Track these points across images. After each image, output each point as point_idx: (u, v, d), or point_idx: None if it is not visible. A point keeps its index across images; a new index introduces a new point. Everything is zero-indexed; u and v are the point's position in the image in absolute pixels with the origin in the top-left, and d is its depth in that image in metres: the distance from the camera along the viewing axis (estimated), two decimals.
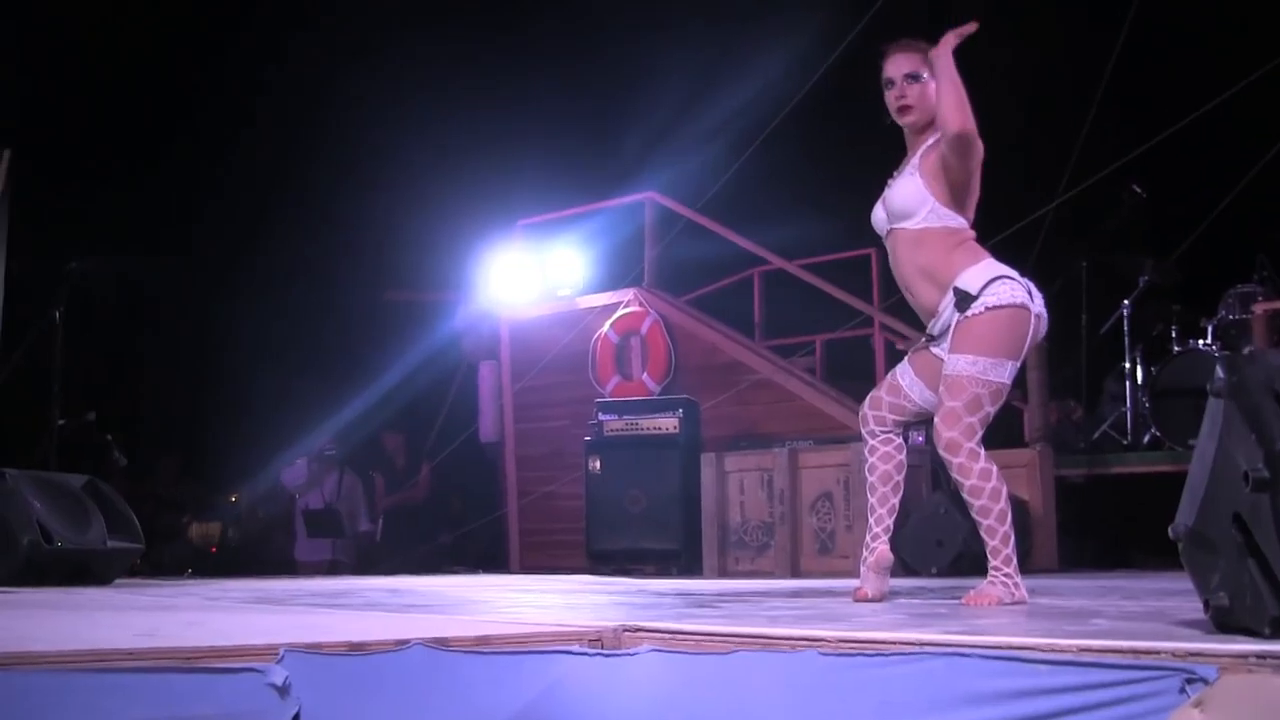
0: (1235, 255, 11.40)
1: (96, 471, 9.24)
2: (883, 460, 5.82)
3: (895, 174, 5.78)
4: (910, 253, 5.65)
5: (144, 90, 16.92)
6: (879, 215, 5.78)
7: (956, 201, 5.59)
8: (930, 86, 5.66)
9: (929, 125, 5.69)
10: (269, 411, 15.95)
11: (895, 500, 5.83)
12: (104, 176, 16.40)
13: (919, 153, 5.68)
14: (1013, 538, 5.48)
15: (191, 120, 16.94)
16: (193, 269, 17.21)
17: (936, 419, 5.54)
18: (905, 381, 5.80)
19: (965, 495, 5.50)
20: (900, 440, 5.85)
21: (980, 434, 5.47)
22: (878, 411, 5.85)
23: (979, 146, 5.54)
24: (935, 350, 5.64)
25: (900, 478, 5.85)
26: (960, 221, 5.60)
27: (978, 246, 5.62)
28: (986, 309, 5.44)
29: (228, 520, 16.23)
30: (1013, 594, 5.39)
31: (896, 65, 5.75)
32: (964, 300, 5.45)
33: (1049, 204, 12.02)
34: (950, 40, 5.54)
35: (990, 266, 5.54)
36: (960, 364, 5.46)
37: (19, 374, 11.02)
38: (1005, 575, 5.42)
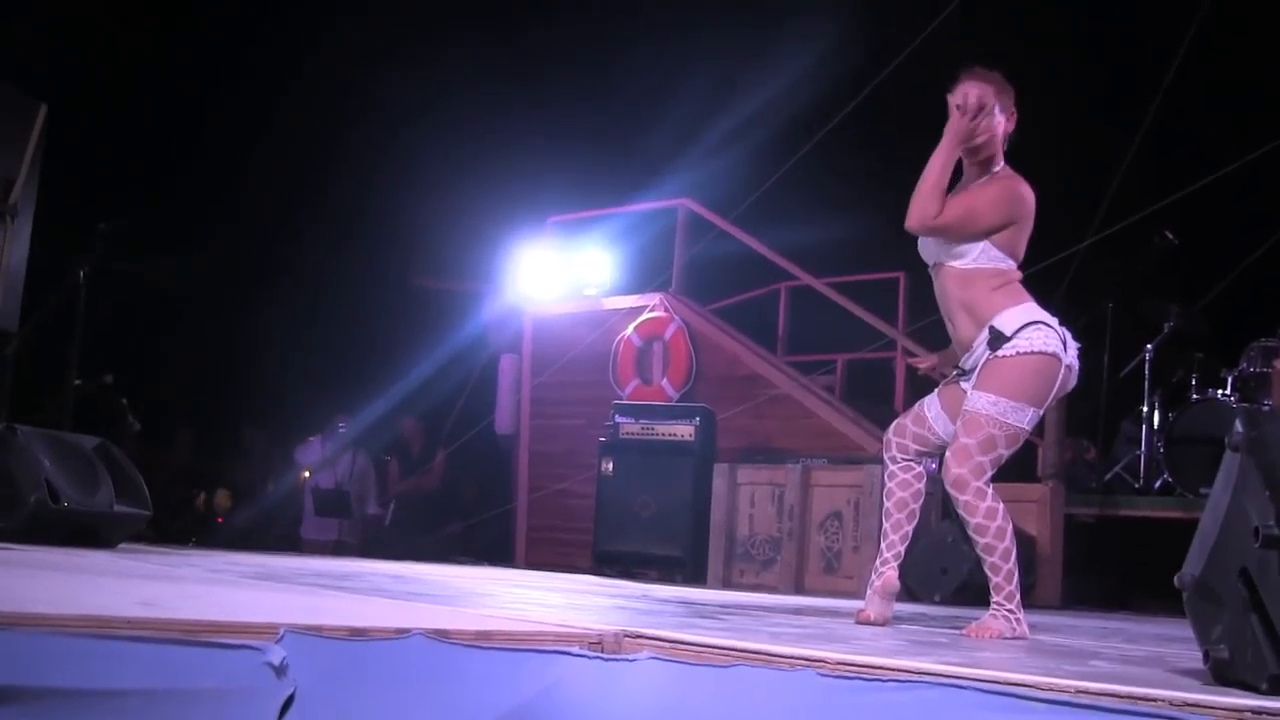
0: (1262, 308, 11.38)
1: (110, 435, 9.24)
2: (901, 488, 5.77)
3: None
4: (956, 288, 5.61)
5: (184, 74, 17.03)
6: (929, 244, 5.74)
7: (1009, 243, 5.56)
8: (991, 119, 5.61)
9: (988, 161, 5.66)
10: (291, 390, 16.03)
11: (909, 528, 5.79)
12: (141, 141, 16.50)
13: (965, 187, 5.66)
14: (1016, 575, 5.45)
15: (232, 103, 17.02)
16: (223, 249, 17.28)
17: (948, 453, 5.52)
18: (931, 413, 5.76)
19: (970, 531, 5.49)
20: (921, 469, 5.78)
21: (989, 474, 5.44)
22: (901, 439, 5.81)
23: (959, 228, 5.52)
24: (964, 385, 5.59)
25: (916, 506, 5.80)
26: (1010, 263, 5.56)
27: (1021, 289, 5.58)
28: (1018, 353, 5.41)
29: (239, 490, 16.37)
30: (1014, 629, 5.38)
31: (965, 92, 5.68)
32: (997, 339, 5.42)
33: (1081, 243, 12.00)
34: (959, 120, 5.55)
35: (1029, 310, 5.50)
36: (981, 402, 5.44)
37: (40, 331, 11.03)
38: (1008, 611, 5.41)
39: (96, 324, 10.63)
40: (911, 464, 5.79)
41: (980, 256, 5.55)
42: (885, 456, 5.88)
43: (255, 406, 17.24)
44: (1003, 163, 5.69)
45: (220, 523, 15.89)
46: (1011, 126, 5.67)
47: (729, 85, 15.63)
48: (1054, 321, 5.53)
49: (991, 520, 5.40)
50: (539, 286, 14.60)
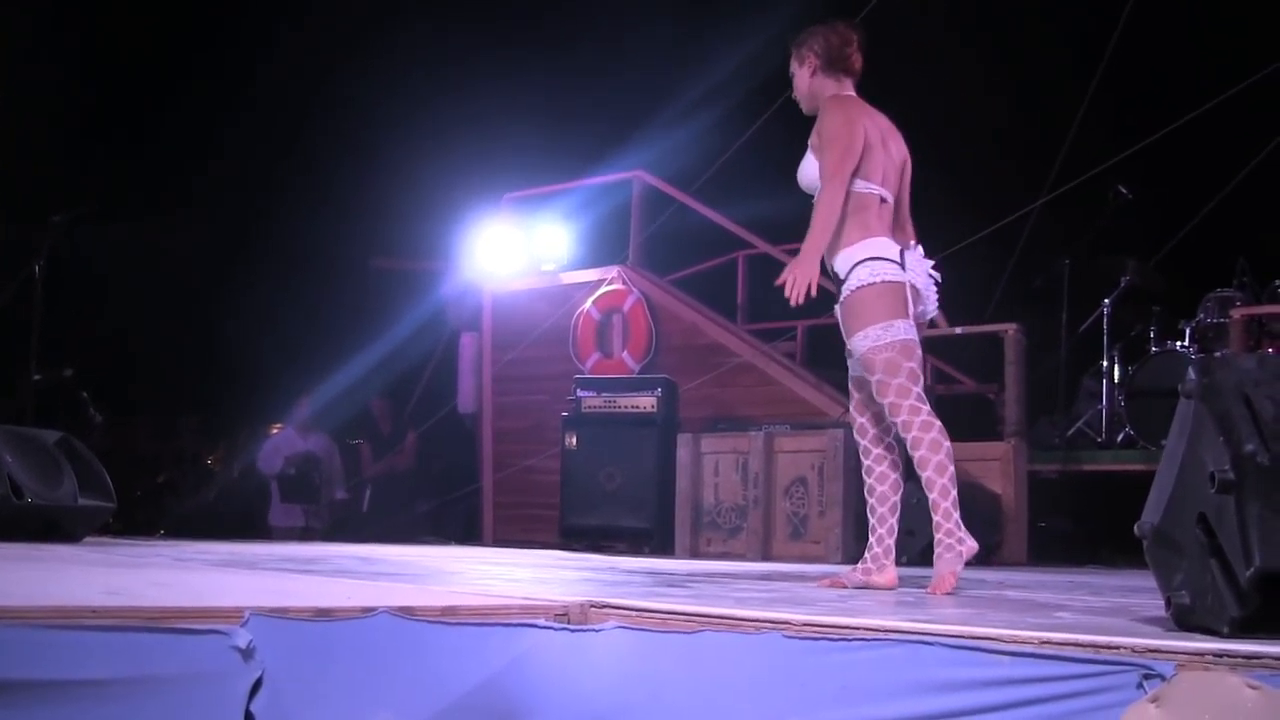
0: (1217, 259, 11.42)
1: (72, 428, 9.20)
2: (880, 481, 5.80)
3: None
4: None
5: (141, 57, 16.97)
6: (801, 179, 5.97)
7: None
8: (797, 76, 6.02)
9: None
10: (251, 376, 16.00)
11: (894, 520, 5.82)
12: (100, 132, 16.47)
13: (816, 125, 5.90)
14: (952, 490, 5.54)
15: (190, 87, 16.94)
16: (181, 232, 17.24)
17: (875, 397, 5.65)
18: (855, 373, 5.89)
19: (908, 448, 5.56)
20: (895, 457, 5.80)
21: (915, 390, 5.57)
22: (860, 418, 5.86)
23: (834, 166, 5.69)
24: None
25: (898, 499, 5.84)
26: (861, 185, 5.71)
27: (872, 219, 5.73)
28: (852, 291, 5.66)
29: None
30: (960, 553, 5.46)
31: None
32: (838, 283, 5.73)
33: (1035, 201, 12.03)
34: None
35: (863, 248, 5.67)
36: (857, 344, 5.66)
37: None
38: (947, 533, 5.47)
39: (55, 316, 10.59)
40: (883, 453, 5.80)
41: None
42: (859, 443, 5.92)
43: (216, 394, 17.20)
44: (846, 90, 5.97)
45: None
46: (816, 62, 5.96)
47: (684, 56, 15.60)
48: (888, 251, 5.67)
49: (926, 432, 5.52)
50: (497, 263, 14.57)
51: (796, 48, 6.00)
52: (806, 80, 5.97)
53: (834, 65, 5.92)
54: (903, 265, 5.64)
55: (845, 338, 5.75)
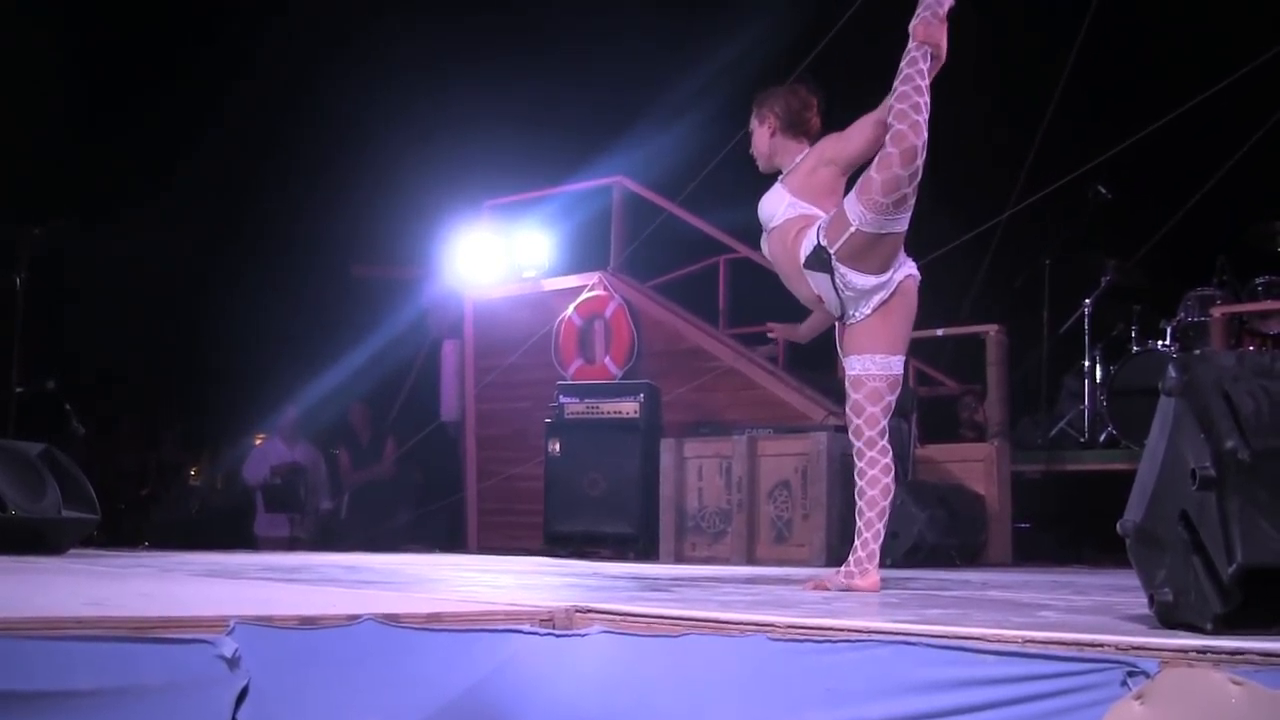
0: (1197, 258, 11.44)
1: (55, 440, 9.17)
2: (870, 484, 5.76)
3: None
4: (778, 250, 5.93)
5: (121, 63, 16.95)
6: (760, 212, 6.07)
7: (816, 195, 5.86)
8: (756, 134, 6.15)
9: (784, 161, 6.07)
10: (233, 385, 15.97)
11: (880, 525, 5.81)
12: (80, 139, 16.44)
13: (789, 169, 6.02)
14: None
15: (171, 91, 16.92)
16: (162, 243, 17.21)
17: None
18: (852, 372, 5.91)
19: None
20: (887, 460, 5.79)
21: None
22: (856, 420, 5.84)
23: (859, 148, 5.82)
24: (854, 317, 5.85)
25: (886, 503, 5.81)
26: (815, 211, 5.82)
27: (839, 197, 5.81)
28: (831, 246, 5.66)
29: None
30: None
31: None
32: (823, 260, 5.71)
33: (1014, 201, 12.04)
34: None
35: (814, 226, 5.76)
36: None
37: None
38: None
39: (36, 328, 10.58)
40: (876, 456, 5.78)
41: (787, 209, 5.89)
42: (853, 444, 5.91)
43: (198, 404, 17.18)
44: (802, 150, 6.07)
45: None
46: (775, 124, 6.07)
47: (664, 61, 15.59)
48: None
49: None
50: (478, 270, 14.56)
51: (758, 106, 6.12)
52: (765, 140, 6.10)
53: (793, 127, 6.05)
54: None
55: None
